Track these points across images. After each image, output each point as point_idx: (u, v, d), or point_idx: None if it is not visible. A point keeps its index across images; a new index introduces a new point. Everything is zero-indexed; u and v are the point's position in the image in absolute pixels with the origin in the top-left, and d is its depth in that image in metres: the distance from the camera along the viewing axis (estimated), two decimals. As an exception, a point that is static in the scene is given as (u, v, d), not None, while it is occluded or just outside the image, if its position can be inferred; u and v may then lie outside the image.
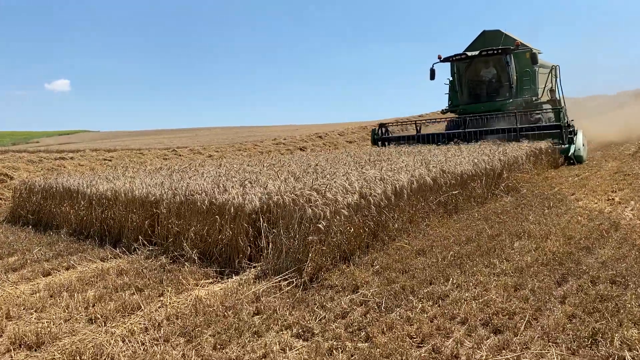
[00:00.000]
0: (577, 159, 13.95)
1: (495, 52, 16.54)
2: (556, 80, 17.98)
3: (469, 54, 17.10)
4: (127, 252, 6.34)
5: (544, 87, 17.75)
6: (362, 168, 7.28)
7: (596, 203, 8.44)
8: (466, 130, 15.36)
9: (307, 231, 4.95)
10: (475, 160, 8.61)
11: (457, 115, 17.86)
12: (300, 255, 4.89)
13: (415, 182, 6.65)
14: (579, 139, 14.37)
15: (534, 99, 17.21)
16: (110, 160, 23.40)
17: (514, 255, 5.36)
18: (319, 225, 4.76)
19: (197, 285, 4.98)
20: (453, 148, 11.69)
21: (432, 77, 18.27)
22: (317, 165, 8.39)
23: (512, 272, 4.81)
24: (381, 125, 18.28)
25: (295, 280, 4.75)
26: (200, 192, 6.00)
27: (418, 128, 17.22)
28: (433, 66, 18.15)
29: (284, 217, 5.19)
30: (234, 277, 5.25)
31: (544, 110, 16.30)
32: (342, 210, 4.95)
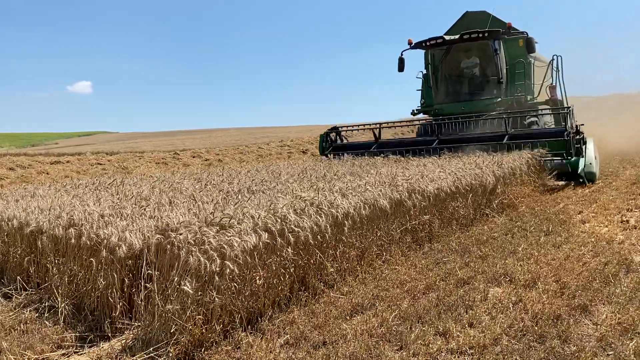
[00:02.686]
0: (589, 177, 10.69)
1: (480, 35, 13.12)
2: (557, 74, 14.07)
3: (447, 37, 13.58)
4: (-3, 299, 5.02)
5: (542, 84, 14.10)
6: (309, 188, 5.85)
7: (606, 226, 6.93)
8: (440, 137, 12.13)
9: (192, 288, 3.56)
10: (459, 175, 7.13)
11: (430, 118, 14.61)
12: (182, 323, 3.49)
13: (367, 208, 5.22)
14: (590, 150, 11.08)
15: (528, 97, 13.79)
16: (102, 165, 22.43)
17: (483, 316, 3.90)
18: (185, 288, 3.36)
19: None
20: (433, 159, 9.62)
21: (401, 68, 14.65)
22: (263, 181, 6.99)
23: (470, 351, 3.37)
24: (332, 129, 14.35)
25: (164, 360, 3.37)
26: (83, 222, 4.65)
27: (377, 134, 13.51)
28: (402, 54, 14.56)
29: (162, 267, 3.81)
30: (100, 344, 3.89)
31: (540, 114, 12.89)
32: (228, 263, 3.53)
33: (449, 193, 6.66)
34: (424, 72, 15.35)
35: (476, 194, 7.39)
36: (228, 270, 3.55)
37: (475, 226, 7.17)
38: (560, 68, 13.91)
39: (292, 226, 4.21)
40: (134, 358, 3.44)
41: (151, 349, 3.46)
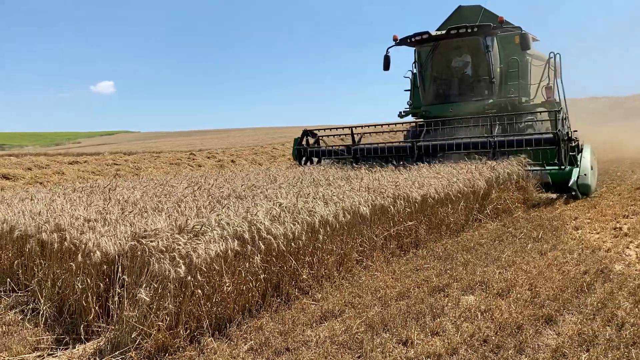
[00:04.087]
0: (583, 190, 9.54)
1: (469, 31, 11.91)
2: (555, 73, 12.56)
3: (432, 33, 12.39)
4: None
5: (538, 84, 12.87)
6: (296, 194, 5.92)
7: (598, 233, 6.89)
8: (419, 144, 10.97)
9: (156, 294, 3.68)
10: (448, 180, 7.15)
11: (417, 120, 13.68)
12: (145, 328, 3.61)
13: (347, 215, 5.28)
14: (586, 159, 9.94)
15: (523, 99, 12.56)
16: (118, 165, 22.76)
17: (448, 324, 3.94)
18: (141, 295, 3.47)
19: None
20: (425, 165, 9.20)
21: (387, 66, 13.60)
22: (254, 186, 7.10)
23: (426, 360, 3.42)
24: (307, 133, 13.28)
25: (129, 363, 3.49)
26: (68, 227, 4.79)
27: (352, 140, 12.35)
28: (388, 51, 13.42)
29: (132, 273, 3.93)
30: (75, 347, 4.02)
31: (536, 118, 11.71)
32: (181, 271, 3.61)
33: (438, 199, 6.67)
34: (414, 70, 14.22)
35: (468, 199, 7.39)
36: (189, 277, 3.65)
37: (466, 232, 7.18)
38: (559, 67, 12.47)
39: (264, 233, 4.30)
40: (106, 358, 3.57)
41: (117, 352, 3.58)
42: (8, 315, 4.68)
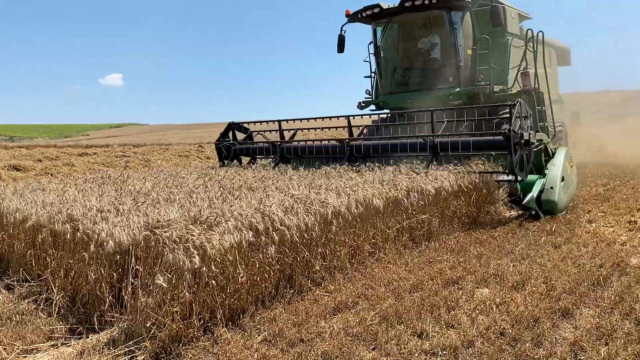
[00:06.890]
0: (546, 207, 7.42)
1: (427, 3, 9.71)
2: (535, 56, 10.02)
3: (384, 6, 10.34)
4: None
5: (518, 69, 10.26)
6: (308, 185, 5.90)
7: (612, 227, 6.81)
8: (351, 143, 9.07)
9: (170, 284, 3.66)
10: (461, 173, 7.10)
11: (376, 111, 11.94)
12: (159, 318, 3.60)
13: (360, 206, 5.25)
14: (557, 167, 7.80)
15: (496, 88, 10.33)
16: (127, 157, 22.83)
17: (463, 317, 3.91)
18: (158, 282, 3.46)
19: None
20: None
21: (341, 48, 11.73)
22: (264, 177, 7.07)
23: (442, 352, 3.38)
24: (232, 127, 11.19)
25: (143, 355, 3.48)
26: (80, 217, 4.79)
27: (280, 136, 10.52)
28: (342, 30, 11.49)
29: (146, 263, 3.92)
30: (87, 337, 4.01)
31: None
32: (195, 261, 3.59)
33: (451, 192, 6.62)
34: (372, 53, 11.84)
35: (480, 191, 7.32)
36: (203, 268, 3.63)
37: (479, 225, 7.12)
38: (539, 47, 10.09)
39: (278, 224, 4.28)
40: (115, 351, 3.56)
41: (131, 342, 3.58)
42: (22, 304, 4.69)
